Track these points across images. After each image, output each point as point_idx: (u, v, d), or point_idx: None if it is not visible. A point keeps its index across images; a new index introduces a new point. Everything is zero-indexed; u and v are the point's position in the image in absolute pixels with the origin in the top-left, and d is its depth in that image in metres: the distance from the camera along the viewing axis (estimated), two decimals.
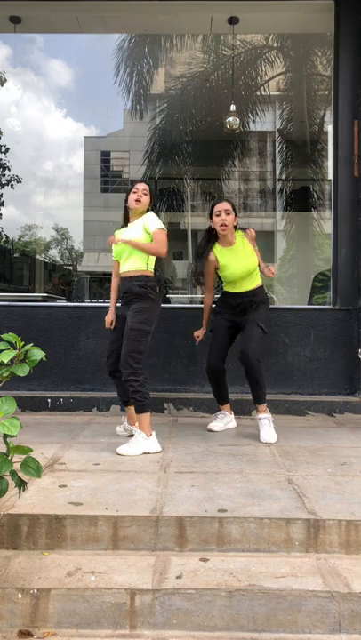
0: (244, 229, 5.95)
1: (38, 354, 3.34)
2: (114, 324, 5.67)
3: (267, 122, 13.73)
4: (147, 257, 5.46)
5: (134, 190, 5.50)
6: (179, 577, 3.25)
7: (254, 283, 5.93)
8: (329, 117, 9.99)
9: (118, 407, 6.82)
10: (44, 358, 3.36)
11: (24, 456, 3.16)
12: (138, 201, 5.46)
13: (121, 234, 5.52)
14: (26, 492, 3.42)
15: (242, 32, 10.24)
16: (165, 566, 3.38)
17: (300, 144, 13.40)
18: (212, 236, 6.01)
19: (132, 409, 5.51)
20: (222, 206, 5.81)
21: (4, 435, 3.00)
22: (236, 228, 5.94)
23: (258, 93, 12.87)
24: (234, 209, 5.88)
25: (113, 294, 5.80)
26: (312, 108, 12.88)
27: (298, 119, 13.16)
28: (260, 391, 5.85)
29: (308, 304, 9.79)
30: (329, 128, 9.87)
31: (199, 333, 6.17)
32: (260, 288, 5.98)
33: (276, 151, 14.33)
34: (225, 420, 6.15)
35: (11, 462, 3.08)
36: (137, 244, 5.34)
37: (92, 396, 6.91)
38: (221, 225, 5.79)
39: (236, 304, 5.93)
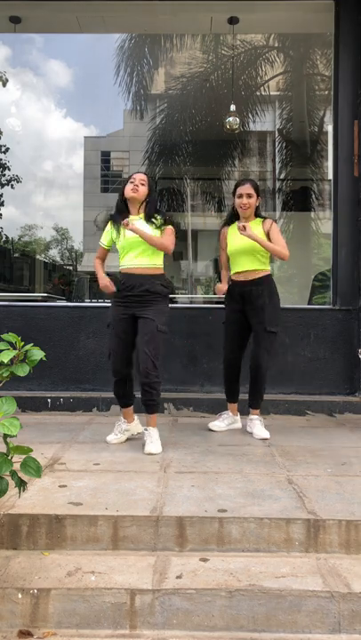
0: (264, 218, 5.98)
1: (38, 354, 3.34)
2: (112, 286, 5.44)
3: (267, 122, 13.72)
4: (162, 254, 5.42)
5: (131, 180, 5.39)
6: (179, 577, 3.25)
7: (258, 266, 5.91)
8: (329, 117, 9.98)
9: (118, 407, 6.81)
10: (44, 358, 3.36)
11: (24, 456, 3.16)
12: (135, 190, 5.34)
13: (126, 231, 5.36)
14: (26, 492, 3.42)
15: (242, 32, 10.24)
16: (165, 566, 3.38)
17: (300, 144, 13.39)
18: (235, 215, 6.10)
19: (130, 409, 5.52)
20: (244, 190, 5.91)
21: (4, 435, 3.00)
22: (257, 211, 6.03)
23: (258, 93, 12.87)
24: (257, 191, 5.96)
25: (100, 267, 5.62)
26: (312, 108, 12.87)
27: (298, 119, 13.16)
28: (260, 398, 5.96)
29: (308, 304, 9.79)
30: (329, 128, 9.87)
31: (221, 286, 6.11)
32: (267, 277, 5.95)
33: (276, 151, 14.32)
34: (227, 421, 6.14)
35: (11, 462, 3.08)
36: (151, 237, 5.25)
37: (92, 396, 6.91)
38: (242, 206, 5.91)
39: (242, 292, 5.90)
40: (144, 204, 5.44)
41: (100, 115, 13.34)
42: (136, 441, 5.44)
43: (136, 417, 5.65)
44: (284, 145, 14.05)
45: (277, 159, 14.27)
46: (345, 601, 3.10)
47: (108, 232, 5.53)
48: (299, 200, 13.64)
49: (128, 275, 5.33)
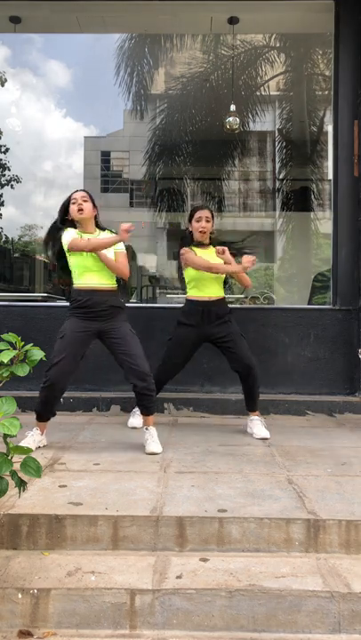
0: (215, 247, 6.01)
1: (38, 354, 3.34)
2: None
3: (267, 122, 13.73)
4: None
5: (72, 201, 5.29)
6: (179, 577, 3.25)
7: (220, 291, 5.98)
8: (329, 117, 9.99)
9: (118, 407, 6.82)
10: (44, 358, 3.36)
11: (24, 456, 3.16)
12: (80, 210, 5.25)
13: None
14: (26, 492, 3.43)
15: (242, 32, 10.24)
16: (165, 566, 3.38)
17: (300, 144, 13.40)
18: (191, 239, 6.09)
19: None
20: (204, 213, 5.99)
21: (4, 435, 3.00)
22: (210, 239, 6.09)
23: (258, 93, 12.87)
24: (213, 217, 6.06)
25: None
26: (312, 108, 12.88)
27: (298, 119, 13.16)
28: (256, 399, 5.99)
29: (308, 304, 9.80)
30: (329, 128, 9.87)
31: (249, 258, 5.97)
32: (224, 301, 6.01)
33: (276, 151, 14.33)
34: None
35: (11, 462, 3.08)
36: (113, 262, 5.26)
37: (91, 395, 6.91)
38: (200, 231, 5.95)
39: (202, 312, 5.90)
40: (93, 220, 5.42)
41: (100, 115, 13.36)
42: (136, 441, 5.44)
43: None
44: (284, 145, 14.06)
45: (277, 159, 14.28)
46: (345, 601, 3.11)
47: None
48: (299, 200, 13.65)
49: (96, 292, 5.25)
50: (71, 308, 5.29)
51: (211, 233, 6.09)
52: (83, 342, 5.22)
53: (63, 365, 5.09)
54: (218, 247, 5.83)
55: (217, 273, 5.75)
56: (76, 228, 5.34)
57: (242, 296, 11.10)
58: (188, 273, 5.97)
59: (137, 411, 6.08)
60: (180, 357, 5.97)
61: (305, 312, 7.45)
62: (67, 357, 5.10)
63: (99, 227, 5.46)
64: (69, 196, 5.38)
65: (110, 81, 12.17)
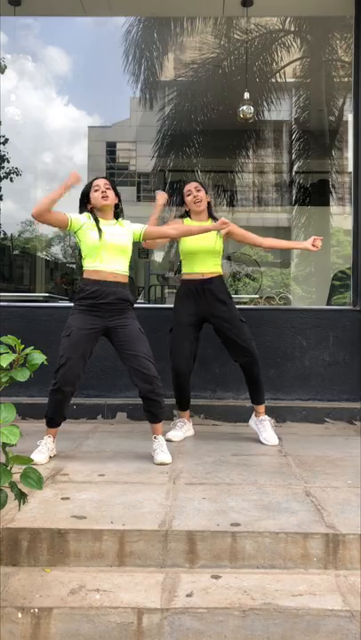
0: (215, 219, 6.09)
1: (39, 358, 3.34)
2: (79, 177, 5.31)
3: (283, 111, 13.72)
4: (131, 261, 5.47)
5: (95, 188, 5.37)
6: (189, 595, 3.25)
7: (213, 268, 6.01)
8: (349, 105, 9.99)
9: (124, 414, 6.82)
10: (46, 362, 3.36)
11: (24, 466, 3.17)
12: (105, 197, 5.33)
13: (105, 234, 5.28)
14: (26, 504, 3.43)
15: (256, 15, 10.20)
16: (175, 584, 3.38)
17: (318, 134, 13.39)
18: (188, 216, 6.21)
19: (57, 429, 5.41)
20: (191, 185, 6.12)
21: (4, 444, 3.00)
22: (210, 212, 6.17)
23: (273, 80, 12.88)
24: (204, 188, 6.13)
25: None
26: (331, 96, 12.87)
27: (316, 107, 13.15)
28: (262, 389, 6.02)
29: (327, 304, 9.80)
30: (349, 117, 9.87)
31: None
32: (220, 278, 6.06)
33: (293, 142, 14.33)
34: (185, 429, 6.18)
35: (10, 473, 3.09)
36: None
37: (96, 402, 6.92)
38: (195, 201, 6.04)
39: (197, 292, 5.96)
40: (113, 207, 5.49)
41: (105, 103, 13.35)
42: (143, 450, 5.44)
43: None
44: (300, 135, 14.06)
45: (294, 150, 14.28)
46: None
47: (81, 223, 5.39)
48: (317, 194, 13.66)
49: (102, 282, 5.26)
50: (77, 300, 5.32)
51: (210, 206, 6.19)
52: (89, 341, 5.22)
53: (70, 367, 5.12)
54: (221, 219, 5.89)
55: (191, 234, 5.73)
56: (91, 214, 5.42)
57: (256, 296, 11.11)
58: (179, 250, 6.12)
59: (179, 421, 6.15)
60: (185, 344, 6.02)
61: (324, 313, 7.44)
62: (73, 358, 5.13)
63: (116, 216, 5.53)
64: (90, 183, 5.46)
65: (116, 67, 12.20)
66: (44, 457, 5.13)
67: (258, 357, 5.86)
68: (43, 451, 5.18)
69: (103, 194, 5.33)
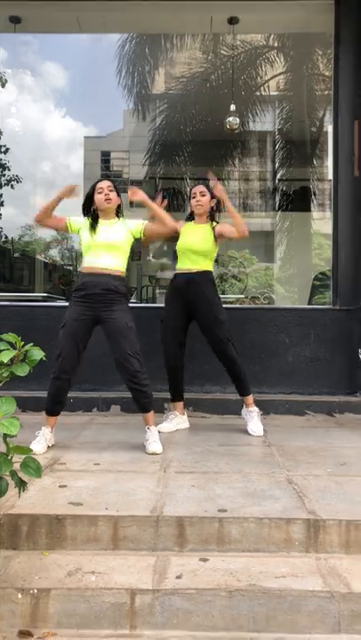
0: (217, 223, 6.14)
1: (38, 354, 3.34)
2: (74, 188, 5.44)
3: (267, 122, 13.73)
4: (128, 258, 5.47)
5: (99, 190, 5.40)
6: (179, 577, 3.25)
7: (201, 266, 6.01)
8: (329, 117, 9.98)
9: (118, 407, 6.82)
10: (44, 358, 3.35)
11: (24, 456, 3.16)
12: (108, 200, 5.36)
13: (100, 233, 5.36)
14: (26, 492, 3.42)
15: (242, 32, 10.22)
16: (165, 566, 3.38)
17: (299, 144, 13.40)
18: (192, 217, 6.26)
19: (56, 419, 5.42)
20: (197, 189, 6.14)
21: (4, 435, 3.00)
22: (212, 216, 6.17)
23: (258, 93, 12.88)
24: (210, 192, 6.10)
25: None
26: (312, 108, 12.87)
27: (298, 119, 13.16)
28: (243, 378, 6.02)
29: (309, 304, 9.80)
30: (329, 128, 9.86)
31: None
32: (206, 273, 6.04)
33: (276, 151, 14.34)
34: (175, 422, 6.17)
35: (11, 462, 3.08)
36: (156, 208, 5.46)
37: (91, 396, 6.91)
38: (196, 204, 6.09)
39: (181, 286, 6.01)
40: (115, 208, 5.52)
41: (99, 115, 13.33)
42: (137, 441, 5.43)
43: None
44: (283, 145, 14.06)
45: (277, 159, 14.28)
46: (345, 601, 3.10)
47: (80, 224, 5.52)
48: (299, 200, 13.66)
49: (93, 275, 5.30)
50: (72, 293, 5.39)
51: (217, 210, 6.22)
52: (83, 331, 5.25)
53: (65, 356, 5.18)
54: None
55: (170, 227, 5.66)
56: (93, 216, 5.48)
57: (242, 296, 11.11)
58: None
59: (170, 414, 6.17)
60: (175, 333, 6.09)
61: (305, 312, 7.46)
62: (68, 348, 5.19)
63: (117, 215, 5.55)
64: (93, 186, 5.48)
65: (110, 81, 12.19)
66: (42, 447, 5.13)
67: (223, 340, 5.89)
68: (41, 441, 5.18)
69: (106, 196, 5.35)
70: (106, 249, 5.31)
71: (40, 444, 5.16)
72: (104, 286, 5.22)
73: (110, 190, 5.39)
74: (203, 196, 6.06)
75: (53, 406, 5.33)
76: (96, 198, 5.41)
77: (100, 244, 5.31)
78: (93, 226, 5.38)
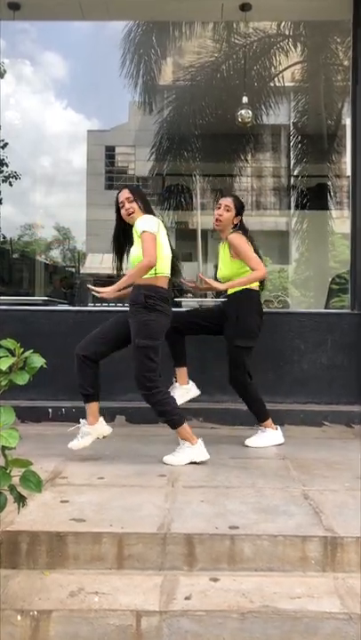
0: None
1: (38, 361, 3.34)
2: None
3: (281, 115, 13.73)
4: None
5: (120, 205, 5.41)
6: (187, 598, 3.25)
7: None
8: (347, 110, 9.98)
9: (123, 418, 6.81)
10: (45, 366, 3.36)
11: (23, 469, 3.17)
12: (130, 214, 5.36)
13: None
14: (25, 507, 3.42)
15: (255, 19, 10.19)
16: (173, 586, 3.38)
17: (316, 138, 13.39)
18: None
19: (93, 405, 5.50)
20: (223, 201, 5.97)
21: (3, 447, 3.00)
22: (236, 228, 6.00)
23: (272, 84, 12.89)
24: (237, 207, 5.96)
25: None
26: (329, 101, 12.87)
27: (314, 112, 13.16)
28: (254, 410, 6.05)
29: (325, 308, 9.78)
30: (348, 121, 9.87)
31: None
32: (235, 295, 5.96)
33: (291, 146, 14.34)
34: (178, 393, 5.99)
35: (9, 476, 3.09)
36: (122, 282, 5.26)
37: None
38: (216, 220, 5.98)
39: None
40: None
41: (103, 107, 13.37)
42: (142, 453, 5.44)
43: (101, 418, 5.55)
44: (299, 139, 14.07)
45: (292, 154, 14.28)
46: None
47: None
48: (315, 198, 13.66)
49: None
50: (157, 300, 5.33)
51: (240, 228, 6.02)
52: (118, 324, 5.40)
53: (95, 334, 5.40)
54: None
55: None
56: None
57: None
58: None
59: None
60: (198, 314, 6.38)
61: (322, 317, 7.45)
62: (102, 331, 5.42)
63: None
64: (116, 200, 5.50)
65: (115, 71, 12.21)
66: (77, 443, 5.38)
67: (234, 389, 6.03)
68: (78, 437, 5.41)
69: (128, 211, 5.37)
70: (133, 264, 5.39)
71: (76, 439, 5.43)
72: (130, 298, 5.34)
73: (129, 201, 5.37)
74: (227, 210, 5.92)
75: (83, 389, 5.50)
76: (122, 214, 5.45)
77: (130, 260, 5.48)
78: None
